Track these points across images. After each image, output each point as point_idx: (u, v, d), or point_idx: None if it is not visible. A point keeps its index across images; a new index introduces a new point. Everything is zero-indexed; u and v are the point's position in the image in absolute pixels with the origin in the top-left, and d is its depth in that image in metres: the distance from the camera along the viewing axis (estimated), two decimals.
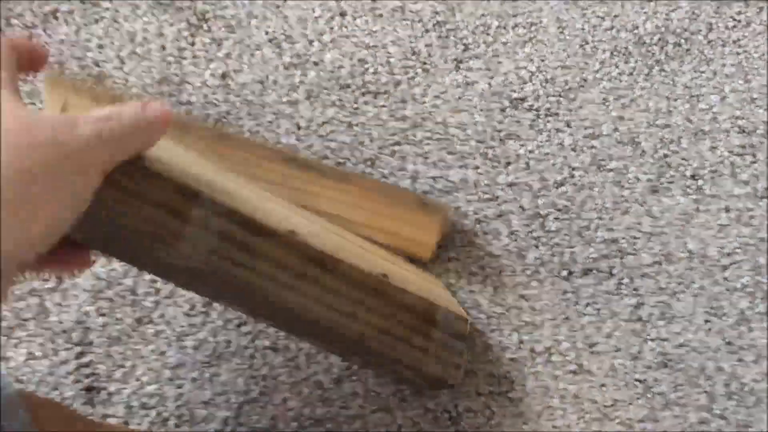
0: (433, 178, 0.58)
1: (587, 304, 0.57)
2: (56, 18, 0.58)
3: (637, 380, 0.55)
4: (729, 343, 0.56)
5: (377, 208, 0.55)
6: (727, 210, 0.59)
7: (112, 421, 0.52)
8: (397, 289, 0.46)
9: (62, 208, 0.30)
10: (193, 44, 0.59)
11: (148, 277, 0.54)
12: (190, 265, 0.38)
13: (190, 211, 0.37)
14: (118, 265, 0.54)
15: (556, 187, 0.58)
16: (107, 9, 0.59)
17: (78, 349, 0.53)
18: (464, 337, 0.49)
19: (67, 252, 0.36)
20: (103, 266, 0.54)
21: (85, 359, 0.53)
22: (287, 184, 0.54)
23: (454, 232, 0.57)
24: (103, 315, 0.53)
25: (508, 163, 0.58)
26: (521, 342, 0.56)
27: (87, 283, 0.53)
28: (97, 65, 0.57)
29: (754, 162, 0.59)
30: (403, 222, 0.55)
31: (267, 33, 0.59)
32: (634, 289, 0.57)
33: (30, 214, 0.28)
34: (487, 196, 0.57)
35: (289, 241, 0.41)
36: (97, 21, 0.58)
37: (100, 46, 0.58)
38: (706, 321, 0.57)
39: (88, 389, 0.52)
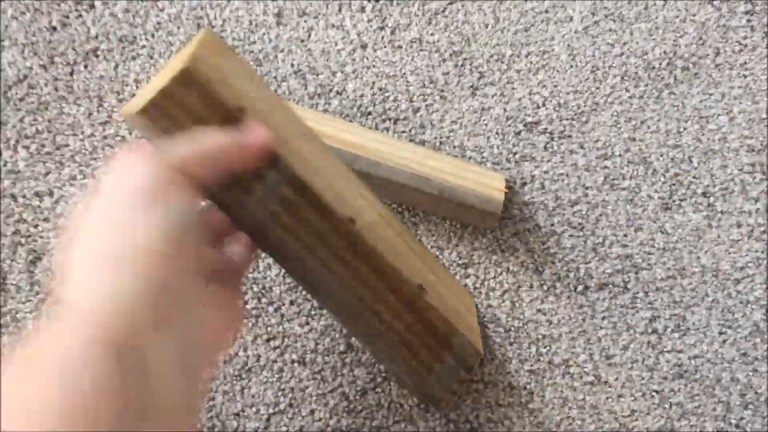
0: None
1: (603, 318, 0.58)
2: (96, 56, 0.62)
3: (653, 391, 0.57)
4: (744, 354, 0.57)
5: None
6: (739, 225, 0.60)
7: None
8: (427, 305, 0.47)
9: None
10: None
11: None
12: (249, 217, 0.41)
13: (265, 172, 0.40)
14: None
15: (571, 206, 0.60)
16: (143, 47, 0.62)
17: None
18: (471, 369, 0.50)
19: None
20: None
21: None
22: None
23: (473, 249, 0.59)
24: None
25: (524, 184, 0.61)
26: (539, 354, 0.57)
27: None
28: None
29: (764, 179, 0.61)
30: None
31: (292, 65, 0.63)
32: (649, 303, 0.59)
33: None
34: (503, 215, 0.60)
35: (344, 228, 0.43)
36: (134, 58, 0.62)
37: (137, 81, 0.61)
38: (721, 333, 0.58)
39: None
